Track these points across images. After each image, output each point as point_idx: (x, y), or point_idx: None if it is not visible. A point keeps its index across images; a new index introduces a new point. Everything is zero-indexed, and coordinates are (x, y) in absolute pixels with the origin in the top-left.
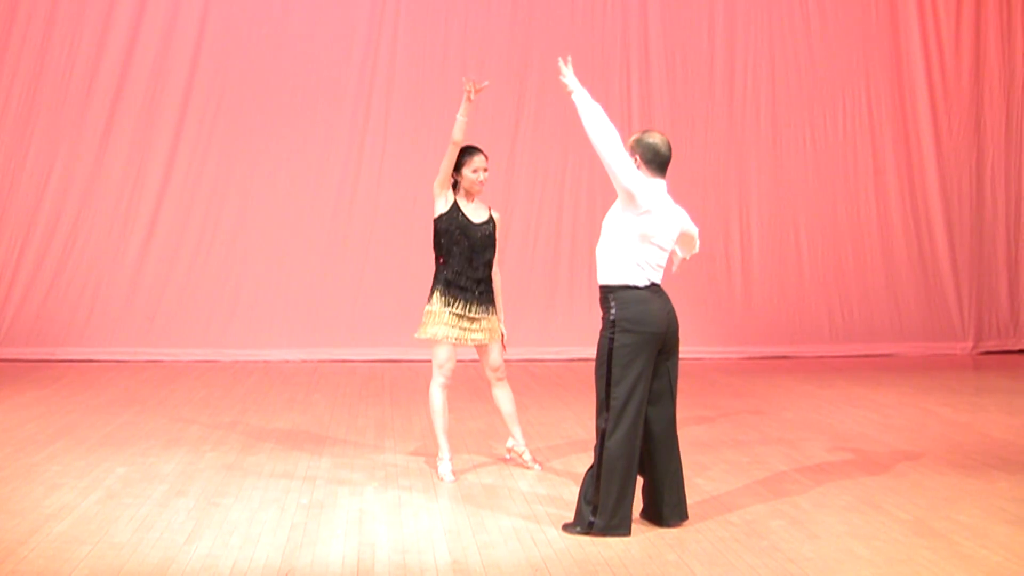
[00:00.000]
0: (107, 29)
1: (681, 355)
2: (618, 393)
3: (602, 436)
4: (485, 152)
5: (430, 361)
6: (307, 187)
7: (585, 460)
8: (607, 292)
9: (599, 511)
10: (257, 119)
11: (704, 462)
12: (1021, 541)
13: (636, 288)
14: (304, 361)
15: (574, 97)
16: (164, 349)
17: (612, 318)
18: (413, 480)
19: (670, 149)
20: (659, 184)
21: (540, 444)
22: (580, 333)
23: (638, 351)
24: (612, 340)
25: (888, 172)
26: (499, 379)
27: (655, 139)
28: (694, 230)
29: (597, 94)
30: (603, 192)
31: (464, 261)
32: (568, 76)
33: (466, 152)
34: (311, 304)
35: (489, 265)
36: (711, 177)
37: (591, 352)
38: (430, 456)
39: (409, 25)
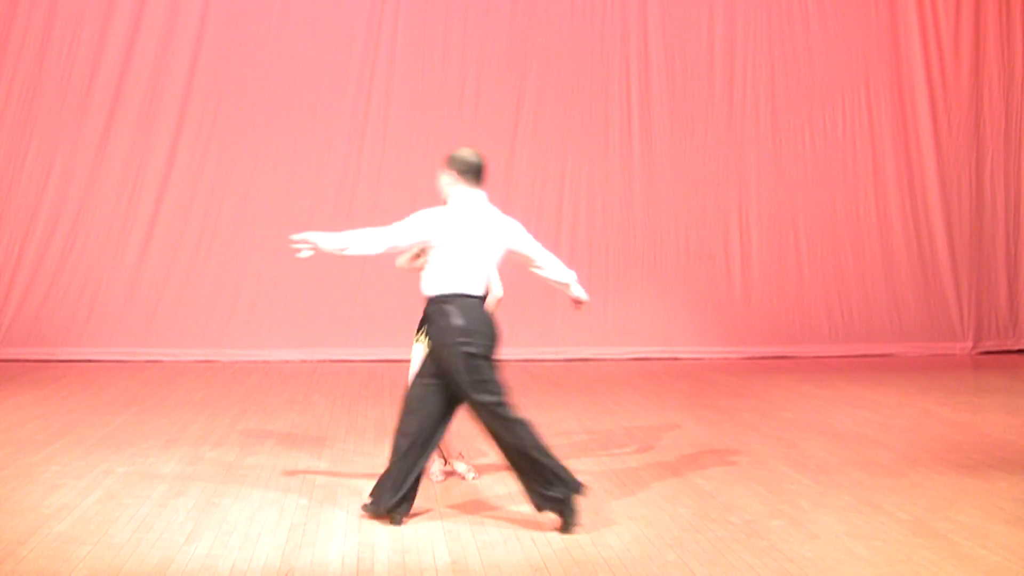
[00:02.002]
0: (107, 29)
1: (681, 355)
2: (495, 391)
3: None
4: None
5: None
6: (307, 187)
7: (585, 461)
8: (440, 301)
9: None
10: (256, 119)
11: (704, 462)
12: (1020, 541)
13: (471, 297)
14: (304, 361)
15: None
16: (164, 349)
17: (456, 324)
18: None
19: (480, 159)
20: (476, 195)
21: None
22: (579, 333)
23: (492, 358)
24: (460, 345)
25: (887, 172)
26: None
27: (463, 152)
28: (532, 248)
29: (597, 94)
30: (602, 192)
31: None
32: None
33: None
34: (311, 304)
35: None
36: (711, 177)
37: (590, 352)
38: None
39: (409, 25)
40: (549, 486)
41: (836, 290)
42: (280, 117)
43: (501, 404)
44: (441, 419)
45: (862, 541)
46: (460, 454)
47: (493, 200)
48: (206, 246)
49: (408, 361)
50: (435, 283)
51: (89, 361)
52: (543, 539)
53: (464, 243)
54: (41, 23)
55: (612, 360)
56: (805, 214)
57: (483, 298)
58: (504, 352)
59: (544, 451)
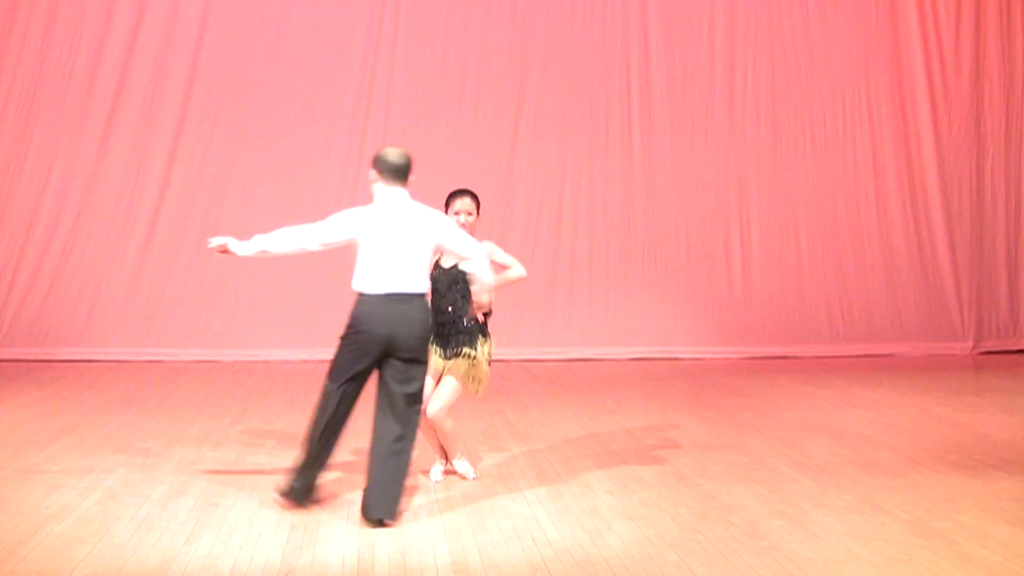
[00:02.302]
0: (107, 29)
1: (682, 355)
2: (327, 383)
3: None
4: (475, 193)
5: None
6: (307, 187)
7: (586, 461)
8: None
9: (295, 476)
10: (257, 119)
11: (704, 462)
12: (1021, 541)
13: (368, 294)
14: (304, 361)
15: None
16: (164, 349)
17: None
18: (413, 480)
19: (402, 158)
20: (394, 193)
21: (540, 445)
22: (580, 333)
23: (349, 350)
24: (341, 337)
25: (888, 172)
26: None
27: (386, 151)
28: (458, 244)
29: (597, 94)
30: (603, 192)
31: (437, 306)
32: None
33: (452, 196)
34: (311, 304)
35: (452, 307)
36: (711, 177)
37: (591, 352)
38: (429, 457)
39: (409, 26)
40: (301, 469)
41: (837, 290)
42: (280, 118)
43: (331, 393)
44: (388, 406)
45: (863, 541)
46: (459, 454)
47: (494, 199)
48: (206, 246)
49: None
50: (354, 280)
51: (89, 361)
52: (543, 539)
53: (378, 241)
54: (41, 24)
55: (612, 360)
56: (806, 214)
57: (397, 295)
58: (505, 352)
59: (325, 443)
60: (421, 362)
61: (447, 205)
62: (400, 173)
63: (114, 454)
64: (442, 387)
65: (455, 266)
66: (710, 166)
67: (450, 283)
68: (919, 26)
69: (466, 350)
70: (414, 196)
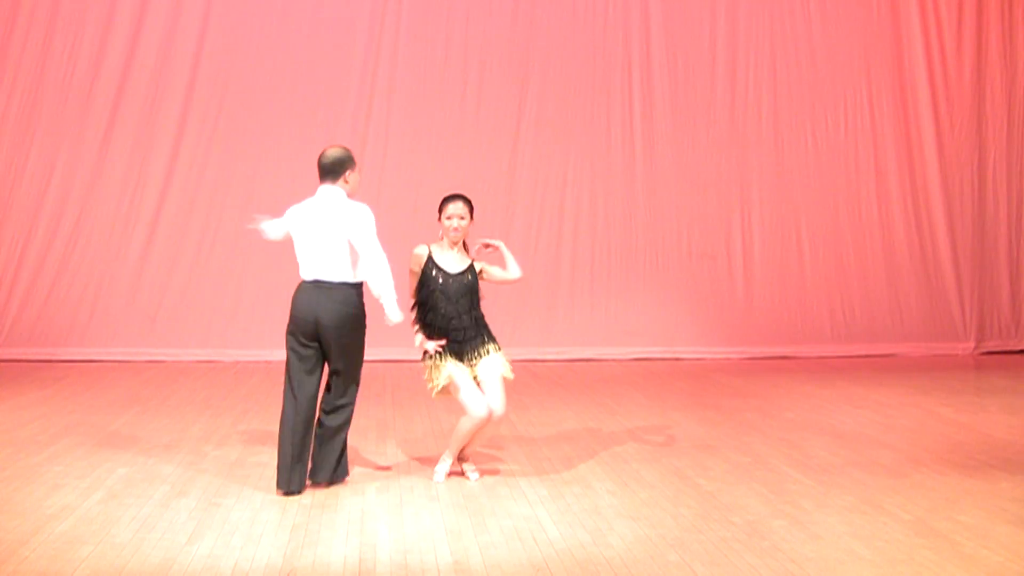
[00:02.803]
0: (108, 30)
1: (683, 355)
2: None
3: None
4: (468, 198)
5: None
6: (309, 187)
7: (587, 461)
8: None
9: (278, 469)
10: (258, 120)
11: (705, 462)
12: (1022, 541)
13: (302, 281)
14: None
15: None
16: (165, 349)
17: None
18: (415, 480)
19: (328, 157)
20: (324, 189)
21: (541, 445)
22: (581, 334)
23: (289, 333)
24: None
25: (890, 172)
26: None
27: (324, 150)
28: (358, 244)
29: (598, 94)
30: (604, 193)
31: (446, 314)
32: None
33: (445, 200)
34: None
35: (470, 312)
36: (713, 177)
37: (592, 352)
38: (431, 456)
39: (410, 26)
40: (298, 459)
41: (838, 290)
42: (282, 118)
43: (287, 379)
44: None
45: (864, 541)
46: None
47: (495, 199)
48: (208, 246)
49: (408, 361)
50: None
51: (91, 361)
52: (545, 539)
53: (303, 232)
54: (43, 24)
55: (614, 360)
56: (807, 214)
57: (323, 283)
58: (506, 352)
59: (300, 432)
60: (344, 347)
61: (440, 209)
62: (326, 171)
63: (116, 454)
64: (492, 385)
65: (463, 273)
66: (711, 166)
67: (459, 290)
68: (920, 26)
69: (490, 346)
70: (412, 195)
